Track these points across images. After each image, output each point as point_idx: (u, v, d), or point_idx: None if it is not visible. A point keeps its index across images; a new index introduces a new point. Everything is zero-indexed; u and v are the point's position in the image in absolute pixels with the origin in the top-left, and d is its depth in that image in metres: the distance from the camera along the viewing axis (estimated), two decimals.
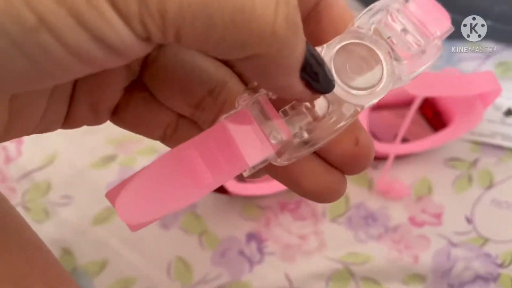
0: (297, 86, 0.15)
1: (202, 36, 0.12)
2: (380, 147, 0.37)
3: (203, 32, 0.12)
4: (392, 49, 0.16)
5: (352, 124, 0.16)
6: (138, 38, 0.12)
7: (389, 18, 0.17)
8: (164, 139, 0.19)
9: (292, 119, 0.16)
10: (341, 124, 0.16)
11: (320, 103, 0.16)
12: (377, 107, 0.40)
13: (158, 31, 0.12)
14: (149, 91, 0.18)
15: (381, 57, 0.16)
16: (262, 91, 0.16)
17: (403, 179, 0.38)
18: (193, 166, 0.15)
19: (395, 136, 0.40)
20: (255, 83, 0.16)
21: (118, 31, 0.11)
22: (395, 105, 0.41)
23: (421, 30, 0.16)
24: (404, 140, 0.39)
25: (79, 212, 0.38)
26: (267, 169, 0.17)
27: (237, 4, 0.12)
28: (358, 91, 0.16)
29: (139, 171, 0.15)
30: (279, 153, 0.16)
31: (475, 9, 0.43)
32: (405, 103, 0.40)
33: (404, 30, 0.16)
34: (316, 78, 0.15)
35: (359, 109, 0.16)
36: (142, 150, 0.40)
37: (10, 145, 0.41)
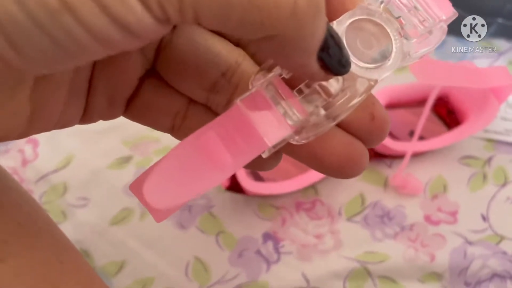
0: (313, 66, 0.14)
1: (220, 17, 0.12)
2: (397, 145, 0.37)
3: (221, 13, 0.12)
4: (402, 28, 0.17)
5: (366, 99, 0.16)
6: (156, 20, 0.12)
7: None
8: (173, 130, 0.19)
9: (308, 97, 0.16)
10: (357, 99, 0.16)
11: (334, 80, 0.16)
12: (392, 106, 0.40)
13: (176, 13, 0.12)
14: (160, 78, 0.19)
15: (390, 34, 0.17)
16: (276, 71, 0.16)
17: (418, 177, 0.38)
18: (213, 149, 0.15)
19: (410, 134, 0.40)
20: (269, 63, 0.16)
21: (137, 14, 0.12)
22: (409, 103, 0.41)
23: (428, 12, 0.17)
24: (420, 138, 0.39)
25: (96, 213, 0.38)
26: (285, 149, 0.17)
27: None
28: (370, 65, 0.16)
29: (161, 158, 0.15)
30: (297, 132, 0.16)
31: (486, 8, 0.43)
32: (419, 102, 0.40)
33: (412, 10, 0.17)
34: (333, 60, 0.14)
35: (372, 83, 0.16)
36: (159, 151, 0.40)
37: (27, 147, 0.41)
